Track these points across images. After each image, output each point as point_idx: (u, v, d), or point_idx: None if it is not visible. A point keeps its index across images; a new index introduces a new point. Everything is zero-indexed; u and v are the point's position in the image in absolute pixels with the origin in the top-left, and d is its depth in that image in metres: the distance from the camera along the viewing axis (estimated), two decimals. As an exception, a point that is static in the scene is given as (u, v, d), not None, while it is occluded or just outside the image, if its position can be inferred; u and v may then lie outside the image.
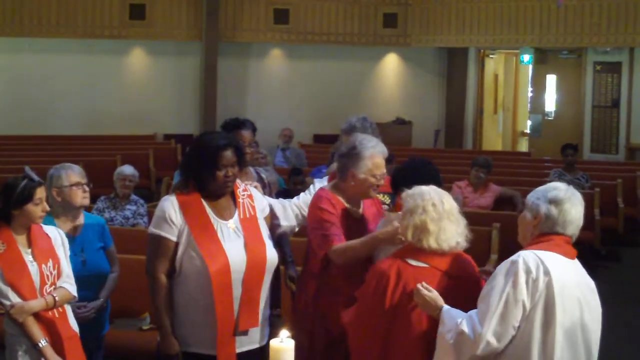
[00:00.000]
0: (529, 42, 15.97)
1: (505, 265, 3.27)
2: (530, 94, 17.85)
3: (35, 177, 4.21)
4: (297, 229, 4.65)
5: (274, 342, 2.79)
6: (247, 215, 4.09)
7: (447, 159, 13.24)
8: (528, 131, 17.93)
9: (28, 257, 4.14)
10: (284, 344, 2.78)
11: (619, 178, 10.99)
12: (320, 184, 4.73)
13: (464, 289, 3.53)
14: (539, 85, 17.02)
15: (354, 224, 4.27)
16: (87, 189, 4.70)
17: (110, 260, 4.80)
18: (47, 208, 4.20)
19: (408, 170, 4.40)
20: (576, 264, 3.38)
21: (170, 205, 3.99)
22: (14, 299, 4.05)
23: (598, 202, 9.88)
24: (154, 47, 16.00)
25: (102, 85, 15.73)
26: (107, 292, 4.80)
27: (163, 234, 3.97)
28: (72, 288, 4.24)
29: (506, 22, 15.87)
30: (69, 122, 15.49)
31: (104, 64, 15.77)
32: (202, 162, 3.97)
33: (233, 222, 4.04)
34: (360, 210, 4.40)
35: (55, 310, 4.15)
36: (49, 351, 4.07)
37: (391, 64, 17.28)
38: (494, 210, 9.09)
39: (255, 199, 4.21)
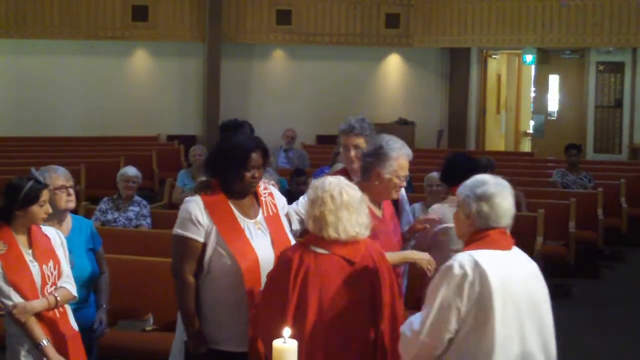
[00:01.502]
0: (532, 43, 15.96)
1: (443, 269, 3.32)
2: (533, 94, 17.83)
3: (41, 179, 4.23)
4: (297, 234, 4.68)
5: (276, 343, 2.79)
6: (271, 213, 4.17)
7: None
8: (531, 131, 17.91)
9: (29, 258, 4.15)
10: (287, 344, 2.78)
11: (622, 178, 10.98)
12: None
13: (366, 275, 3.63)
14: (541, 86, 17.01)
15: (377, 224, 4.30)
16: (71, 192, 4.64)
17: (99, 262, 4.78)
18: (50, 210, 4.22)
19: (459, 167, 4.82)
20: (514, 254, 3.40)
21: (195, 206, 4.01)
22: (16, 299, 4.06)
23: (601, 202, 9.87)
24: (156, 49, 16.02)
25: (105, 87, 15.75)
26: (107, 296, 4.80)
27: (190, 235, 3.98)
28: (72, 288, 4.25)
29: (509, 23, 15.86)
30: (72, 124, 15.52)
31: (106, 66, 15.80)
32: (231, 163, 4.02)
33: (258, 221, 4.09)
34: (381, 211, 4.47)
35: (56, 310, 4.16)
36: (51, 351, 4.08)
37: (394, 64, 17.28)
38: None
39: (275, 197, 4.29)
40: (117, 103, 15.85)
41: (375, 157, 4.33)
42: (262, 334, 3.70)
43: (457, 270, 3.24)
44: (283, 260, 3.68)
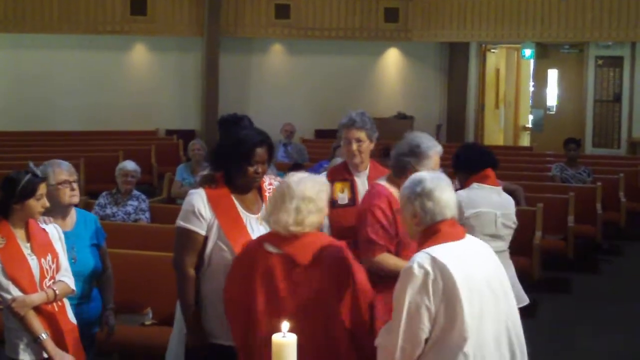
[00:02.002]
0: (531, 37, 15.95)
1: (403, 272, 3.35)
2: (532, 89, 17.82)
3: (39, 173, 4.22)
4: None
5: (276, 337, 2.80)
6: None
7: (448, 154, 13.17)
8: (530, 126, 17.91)
9: (27, 251, 4.15)
10: (286, 338, 2.78)
11: (621, 172, 10.98)
12: None
13: (315, 277, 3.62)
14: (540, 80, 17.00)
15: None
16: (75, 186, 4.61)
17: (103, 258, 4.75)
18: (47, 204, 4.20)
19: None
20: (468, 242, 3.46)
21: (199, 199, 4.04)
22: (15, 292, 4.06)
23: (600, 196, 9.87)
24: (155, 43, 16.01)
25: (104, 81, 15.73)
26: (111, 293, 4.79)
27: (192, 227, 4.01)
28: (70, 282, 4.24)
29: (508, 17, 15.85)
30: (71, 118, 15.50)
31: (105, 60, 15.78)
32: (235, 157, 4.03)
33: (261, 216, 4.09)
34: None
35: (55, 304, 4.16)
36: (50, 344, 4.08)
37: (392, 58, 17.27)
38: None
39: None
40: (116, 97, 15.83)
41: (413, 156, 4.38)
42: (231, 325, 3.75)
43: (417, 271, 3.27)
44: (240, 255, 3.72)
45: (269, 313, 3.56)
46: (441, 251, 3.34)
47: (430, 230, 3.41)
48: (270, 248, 3.62)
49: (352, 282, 3.68)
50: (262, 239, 3.71)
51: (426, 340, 3.31)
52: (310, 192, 3.70)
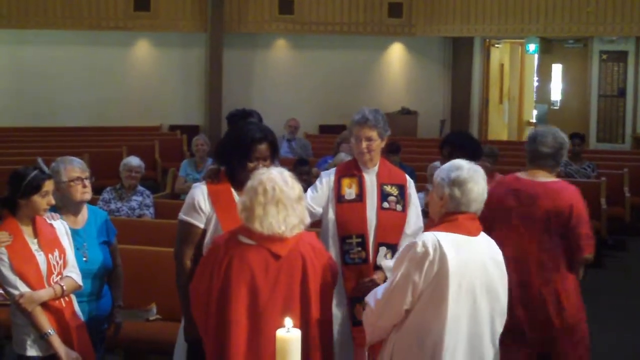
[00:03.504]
0: (535, 32, 15.92)
1: (407, 245, 3.48)
2: (536, 84, 17.81)
3: (46, 170, 4.23)
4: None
5: (280, 332, 2.80)
6: None
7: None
8: (534, 121, 17.89)
9: (35, 247, 4.16)
10: (290, 333, 2.79)
11: (625, 167, 10.98)
12: (327, 176, 4.73)
13: (293, 270, 3.59)
14: (544, 75, 16.98)
15: None
16: (87, 183, 4.59)
17: (113, 255, 4.75)
18: (52, 202, 4.21)
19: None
20: (480, 240, 3.53)
21: (200, 192, 4.10)
22: (23, 288, 4.07)
23: (604, 191, 9.87)
24: (159, 39, 16.01)
25: (107, 77, 15.75)
26: (121, 291, 4.79)
27: (191, 220, 4.08)
28: (77, 277, 4.26)
29: (511, 12, 15.82)
30: (75, 114, 15.52)
31: (109, 56, 15.79)
32: (236, 152, 4.05)
33: None
34: None
35: (62, 300, 4.18)
36: (57, 340, 4.10)
37: (396, 53, 17.25)
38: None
39: None
40: (120, 93, 15.85)
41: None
42: (195, 316, 3.71)
43: (419, 248, 3.38)
44: (212, 249, 3.68)
45: (249, 305, 3.52)
46: (449, 239, 3.41)
47: (450, 217, 3.49)
48: (246, 240, 3.57)
49: (324, 276, 3.67)
50: (236, 232, 3.64)
51: (407, 313, 3.43)
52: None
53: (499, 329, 3.56)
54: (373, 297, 3.55)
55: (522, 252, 4.62)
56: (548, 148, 4.81)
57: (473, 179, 3.48)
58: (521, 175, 4.83)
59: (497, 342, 3.55)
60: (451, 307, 3.36)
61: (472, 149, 5.34)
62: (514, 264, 4.35)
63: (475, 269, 3.43)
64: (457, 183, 3.47)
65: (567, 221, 4.64)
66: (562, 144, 4.88)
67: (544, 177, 4.76)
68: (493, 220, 4.45)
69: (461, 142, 5.48)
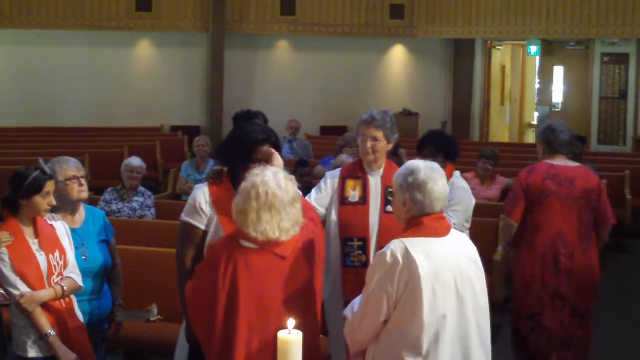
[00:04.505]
0: (536, 34, 15.92)
1: (378, 255, 3.44)
2: (537, 86, 17.81)
3: (47, 170, 4.23)
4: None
5: (281, 334, 2.80)
6: None
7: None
8: (535, 122, 17.90)
9: (35, 247, 4.17)
10: (291, 335, 2.79)
11: (626, 169, 10.98)
12: (331, 177, 4.72)
13: (299, 268, 3.58)
14: (546, 77, 16.98)
15: None
16: (83, 182, 4.60)
17: (111, 254, 4.75)
18: (53, 202, 4.22)
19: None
20: (450, 239, 3.48)
21: (201, 193, 4.07)
22: (23, 288, 4.08)
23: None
24: (160, 39, 16.02)
25: (109, 77, 15.76)
26: (120, 290, 4.79)
27: (192, 221, 4.06)
28: (78, 278, 4.26)
29: (513, 13, 15.82)
30: (76, 114, 15.53)
31: (110, 56, 15.80)
32: (237, 154, 4.02)
33: None
34: None
35: (62, 301, 4.18)
36: (57, 341, 4.10)
37: (398, 55, 17.25)
38: (501, 201, 9.06)
39: None
40: (121, 93, 15.86)
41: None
42: (194, 327, 3.67)
43: (388, 258, 3.35)
44: (212, 255, 3.59)
45: (252, 307, 3.47)
46: (416, 245, 3.37)
47: (415, 221, 3.45)
48: (248, 244, 3.51)
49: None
50: (234, 236, 3.56)
51: (384, 323, 3.41)
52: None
53: (485, 327, 3.50)
54: (350, 310, 3.52)
55: (567, 228, 5.48)
56: (567, 135, 5.60)
57: (432, 179, 3.43)
58: (552, 162, 5.60)
59: (487, 341, 3.50)
60: (426, 313, 3.31)
61: (453, 149, 5.34)
62: (561, 238, 5.46)
63: (448, 270, 3.38)
64: (416, 186, 3.42)
65: (598, 196, 5.55)
66: (572, 133, 5.67)
67: (570, 162, 5.59)
68: (532, 203, 5.53)
69: (441, 140, 5.40)
